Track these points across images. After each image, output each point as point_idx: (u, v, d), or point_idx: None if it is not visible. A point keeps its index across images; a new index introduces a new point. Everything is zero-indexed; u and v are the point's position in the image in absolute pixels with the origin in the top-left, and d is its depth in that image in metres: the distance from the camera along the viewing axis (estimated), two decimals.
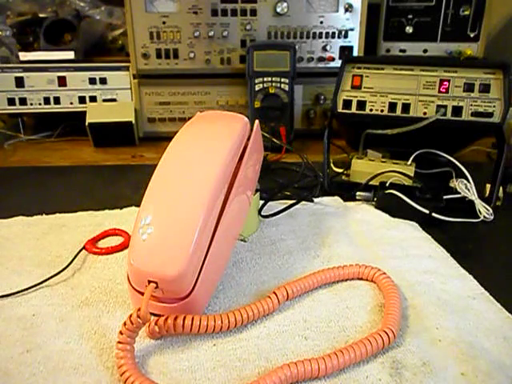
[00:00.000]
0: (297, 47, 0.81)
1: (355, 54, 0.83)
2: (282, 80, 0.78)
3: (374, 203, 0.57)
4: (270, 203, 0.54)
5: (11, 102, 0.84)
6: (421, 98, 0.61)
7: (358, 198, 0.58)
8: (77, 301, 0.38)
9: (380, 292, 0.39)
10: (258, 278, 0.42)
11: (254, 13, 0.80)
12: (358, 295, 0.39)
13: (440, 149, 0.63)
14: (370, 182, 0.59)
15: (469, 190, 0.56)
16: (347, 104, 0.63)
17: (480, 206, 0.55)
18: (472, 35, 0.88)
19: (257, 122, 0.44)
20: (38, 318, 0.36)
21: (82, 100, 0.84)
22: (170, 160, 0.38)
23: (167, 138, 0.43)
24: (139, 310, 0.31)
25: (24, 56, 0.83)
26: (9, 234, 0.49)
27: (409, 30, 0.89)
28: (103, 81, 0.84)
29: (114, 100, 0.85)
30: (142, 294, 0.33)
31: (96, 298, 0.39)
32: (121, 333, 0.31)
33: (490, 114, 0.58)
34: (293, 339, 0.34)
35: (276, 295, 0.37)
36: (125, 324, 0.32)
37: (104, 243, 0.48)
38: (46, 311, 0.37)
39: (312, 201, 0.57)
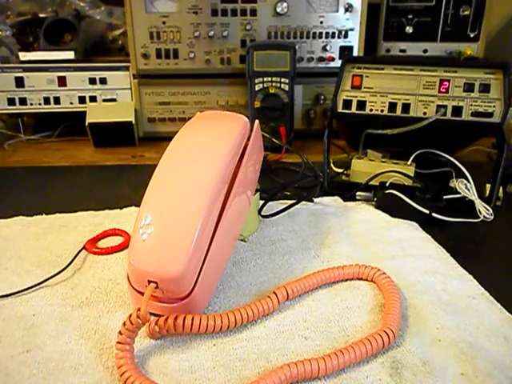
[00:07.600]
0: (297, 47, 0.81)
1: (355, 53, 0.83)
2: (282, 80, 0.78)
3: (373, 203, 0.57)
4: (270, 203, 0.54)
5: (11, 101, 0.84)
6: (421, 98, 0.61)
7: (358, 197, 0.58)
8: (77, 301, 0.38)
9: (380, 292, 0.39)
10: (258, 278, 0.42)
11: (254, 13, 0.80)
12: (358, 295, 0.39)
13: (440, 149, 0.63)
14: (370, 182, 0.59)
15: (469, 190, 0.56)
16: (347, 104, 0.63)
17: (480, 205, 0.55)
18: (472, 35, 0.88)
19: (257, 122, 0.44)
20: (37, 318, 0.36)
21: (81, 100, 0.85)
22: (170, 160, 0.38)
23: (167, 138, 0.43)
24: (139, 310, 0.31)
25: (24, 56, 0.83)
26: (9, 234, 0.49)
27: (409, 30, 0.89)
28: (103, 81, 0.84)
29: (114, 100, 0.85)
30: (142, 293, 0.33)
31: (96, 298, 0.39)
32: (120, 333, 0.31)
33: (490, 114, 0.58)
34: (293, 339, 0.34)
35: (276, 295, 0.37)
36: (124, 324, 0.32)
37: (104, 243, 0.48)
38: (46, 311, 0.37)
39: (312, 201, 0.57)
